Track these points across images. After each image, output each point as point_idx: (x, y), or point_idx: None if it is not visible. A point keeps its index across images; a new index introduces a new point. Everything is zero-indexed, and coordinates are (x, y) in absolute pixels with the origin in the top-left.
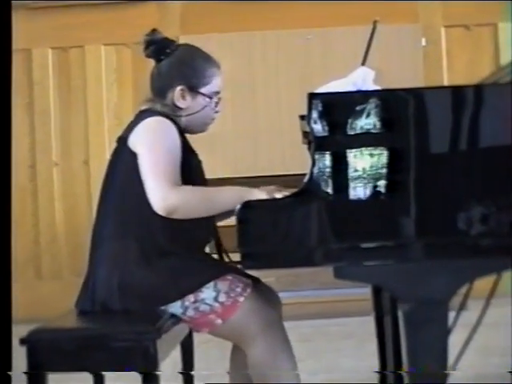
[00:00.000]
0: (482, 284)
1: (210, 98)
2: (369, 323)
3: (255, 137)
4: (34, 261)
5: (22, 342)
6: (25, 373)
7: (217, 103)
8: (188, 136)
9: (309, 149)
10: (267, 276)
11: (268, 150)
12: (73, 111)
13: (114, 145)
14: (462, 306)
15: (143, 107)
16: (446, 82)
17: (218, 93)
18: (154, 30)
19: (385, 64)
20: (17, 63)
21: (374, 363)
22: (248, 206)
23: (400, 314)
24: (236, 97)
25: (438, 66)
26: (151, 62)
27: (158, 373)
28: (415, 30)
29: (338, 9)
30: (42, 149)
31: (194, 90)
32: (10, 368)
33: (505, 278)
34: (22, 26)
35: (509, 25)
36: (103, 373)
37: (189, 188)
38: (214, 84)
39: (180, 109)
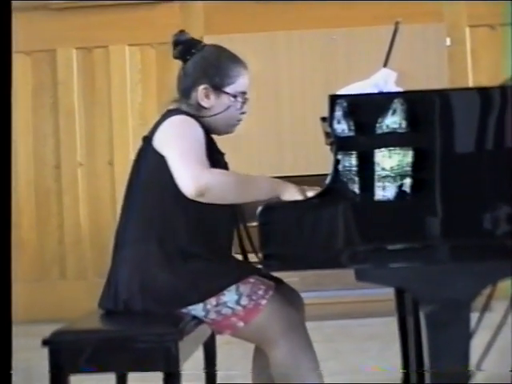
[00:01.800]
0: (506, 285)
1: (235, 97)
2: (393, 324)
3: (280, 137)
4: (59, 261)
5: (45, 343)
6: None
7: (243, 104)
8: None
9: (332, 150)
10: (291, 276)
11: (292, 150)
12: (97, 111)
13: (138, 145)
14: (486, 308)
15: (170, 107)
16: (470, 82)
17: (243, 93)
18: (181, 31)
19: (409, 64)
20: (41, 63)
21: (399, 364)
22: (270, 207)
23: (421, 315)
24: (260, 97)
25: (463, 65)
26: (176, 63)
27: (180, 372)
28: (440, 29)
29: (362, 8)
30: (67, 149)
31: (217, 88)
32: (9, 368)
33: None
34: (46, 27)
35: None
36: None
37: (221, 171)
38: (240, 83)
39: (205, 108)
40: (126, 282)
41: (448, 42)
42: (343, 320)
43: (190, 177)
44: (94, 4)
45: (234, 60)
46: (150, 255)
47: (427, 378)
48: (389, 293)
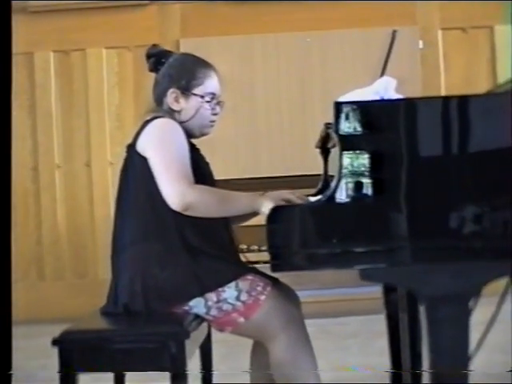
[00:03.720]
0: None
1: (203, 97)
2: (372, 322)
3: (256, 138)
4: (37, 262)
5: (54, 342)
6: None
7: (215, 105)
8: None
9: (321, 153)
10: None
11: (268, 152)
12: (74, 114)
13: (115, 148)
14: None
15: (148, 117)
16: (443, 85)
17: (213, 94)
18: (154, 45)
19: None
20: (19, 66)
21: (381, 361)
22: (278, 208)
23: (422, 311)
24: (236, 99)
25: (436, 68)
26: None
27: (186, 371)
28: (412, 32)
29: (336, 11)
30: (44, 151)
31: (185, 91)
32: (9, 368)
33: None
34: (23, 30)
35: (507, 27)
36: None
37: (205, 187)
38: (207, 85)
39: (177, 112)
40: (127, 284)
41: (421, 44)
42: (322, 319)
43: (176, 194)
44: (72, 7)
45: (200, 63)
46: (148, 255)
47: (424, 376)
48: (366, 292)
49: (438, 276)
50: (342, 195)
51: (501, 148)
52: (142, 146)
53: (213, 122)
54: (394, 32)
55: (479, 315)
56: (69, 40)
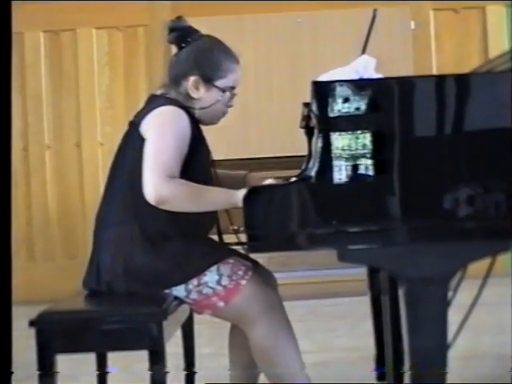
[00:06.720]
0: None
1: (224, 91)
2: (361, 303)
3: (245, 119)
4: (27, 243)
5: (32, 323)
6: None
7: (231, 98)
8: None
9: (306, 133)
10: (258, 257)
11: (258, 133)
12: (64, 94)
13: (105, 128)
14: (457, 288)
15: (158, 92)
16: (434, 65)
17: (233, 88)
18: (178, 17)
19: (374, 47)
20: None
21: (369, 342)
22: (254, 190)
23: (400, 293)
24: None
25: (427, 48)
26: (143, 46)
27: (164, 351)
28: (404, 13)
29: None
30: (35, 132)
31: (208, 81)
32: (9, 368)
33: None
34: (13, 10)
35: (498, 7)
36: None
37: (181, 182)
38: (230, 79)
39: (193, 99)
40: (108, 264)
41: (412, 25)
42: (311, 300)
43: (152, 187)
44: None
45: (228, 54)
46: (131, 238)
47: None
48: (356, 273)
49: (423, 256)
50: (324, 175)
51: (494, 128)
52: (145, 128)
53: (225, 114)
54: (375, 11)
55: (462, 297)
56: (58, 20)
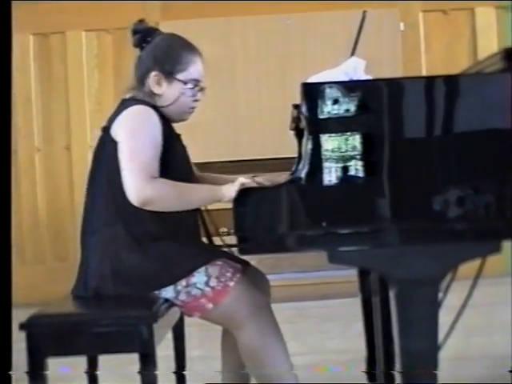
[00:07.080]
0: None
1: (186, 83)
2: (351, 305)
3: (235, 121)
4: (17, 246)
5: (22, 327)
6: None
7: (197, 91)
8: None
9: (296, 135)
10: (248, 260)
11: (248, 135)
12: (54, 97)
13: (95, 130)
14: (447, 289)
15: (126, 96)
16: (424, 66)
17: (197, 80)
18: (140, 20)
19: (363, 48)
20: None
21: (359, 344)
22: (245, 191)
23: (391, 294)
24: (216, 81)
25: (417, 49)
26: (132, 49)
27: (155, 354)
28: (393, 14)
29: None
30: (24, 134)
31: (169, 75)
32: (9, 368)
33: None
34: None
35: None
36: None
37: (164, 181)
38: (192, 71)
39: (157, 95)
40: (96, 268)
41: (402, 26)
42: (301, 302)
43: (134, 189)
44: None
45: (187, 47)
46: (118, 241)
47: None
48: (346, 275)
49: (413, 258)
50: (314, 177)
51: (484, 129)
52: (115, 130)
53: (193, 108)
54: (364, 12)
55: (453, 299)
56: (48, 23)
